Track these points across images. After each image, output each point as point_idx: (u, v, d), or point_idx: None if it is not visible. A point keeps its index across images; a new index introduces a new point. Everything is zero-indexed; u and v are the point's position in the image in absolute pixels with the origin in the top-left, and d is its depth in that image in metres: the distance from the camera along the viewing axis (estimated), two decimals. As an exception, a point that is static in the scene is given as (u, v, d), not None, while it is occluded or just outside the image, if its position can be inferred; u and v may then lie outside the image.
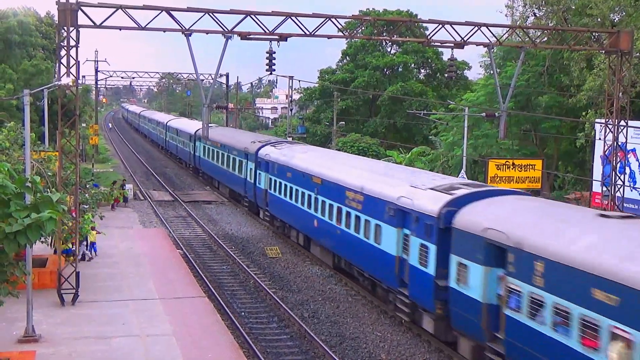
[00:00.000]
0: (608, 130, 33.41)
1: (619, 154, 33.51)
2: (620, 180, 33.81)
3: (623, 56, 32.09)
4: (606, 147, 34.12)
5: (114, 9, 26.49)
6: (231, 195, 55.56)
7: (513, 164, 45.39)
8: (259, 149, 45.76)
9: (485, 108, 51.15)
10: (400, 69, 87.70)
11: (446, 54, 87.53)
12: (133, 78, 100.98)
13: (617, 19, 50.66)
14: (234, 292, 30.92)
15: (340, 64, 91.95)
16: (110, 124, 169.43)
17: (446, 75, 34.81)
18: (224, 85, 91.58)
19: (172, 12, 27.46)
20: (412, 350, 24.28)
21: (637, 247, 17.04)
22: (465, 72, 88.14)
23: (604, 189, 35.04)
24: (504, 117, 32.24)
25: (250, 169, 46.61)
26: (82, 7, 25.76)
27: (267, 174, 42.78)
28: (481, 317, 20.96)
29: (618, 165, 33.77)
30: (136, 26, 27.14)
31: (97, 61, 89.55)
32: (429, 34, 31.24)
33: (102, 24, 26.48)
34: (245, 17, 28.43)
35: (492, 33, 31.03)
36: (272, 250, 38.23)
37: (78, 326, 24.04)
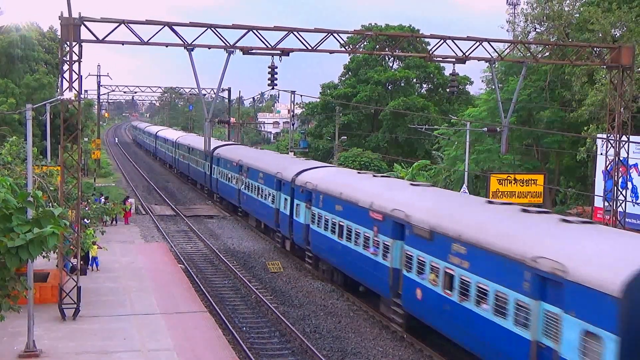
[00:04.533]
0: (610, 145, 33.40)
1: (620, 169, 33.49)
2: (622, 195, 33.76)
3: (624, 71, 32.13)
4: (608, 163, 34.09)
5: (117, 24, 26.58)
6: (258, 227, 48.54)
7: (515, 178, 45.35)
8: (297, 174, 38.75)
9: (487, 123, 51.17)
10: (402, 84, 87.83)
11: (448, 69, 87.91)
12: (135, 92, 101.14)
13: (618, 34, 50.72)
14: (235, 307, 30.85)
15: (342, 78, 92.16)
16: (116, 139, 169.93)
17: (448, 90, 34.86)
18: (226, 100, 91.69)
19: (175, 27, 27.54)
20: (414, 366, 24.21)
21: None
22: (467, 87, 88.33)
23: (606, 204, 34.99)
24: (506, 132, 32.26)
25: (285, 198, 39.78)
26: (85, 22, 25.86)
27: (311, 206, 35.71)
28: None
29: (620, 180, 33.74)
30: (139, 41, 27.22)
31: (100, 76, 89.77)
32: (431, 49, 31.31)
33: (105, 39, 26.56)
34: (247, 32, 28.52)
35: (493, 48, 31.13)
36: (274, 265, 38.17)
37: (79, 341, 23.99)
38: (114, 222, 48.40)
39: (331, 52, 29.87)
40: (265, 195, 43.80)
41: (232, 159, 53.97)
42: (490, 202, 25.72)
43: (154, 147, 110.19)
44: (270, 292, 33.09)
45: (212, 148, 59.10)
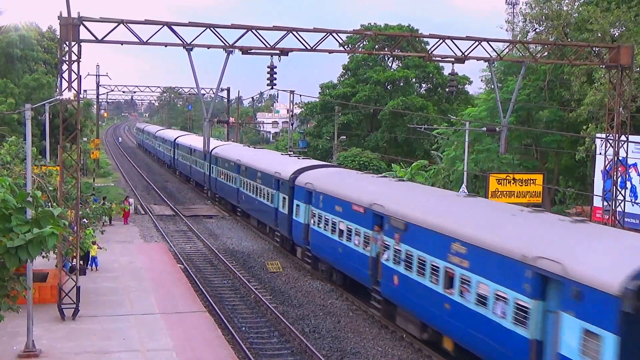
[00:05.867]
0: (609, 145, 33.41)
1: (619, 168, 33.51)
2: (621, 195, 33.79)
3: (623, 71, 32.15)
4: (607, 162, 34.11)
5: (116, 24, 26.57)
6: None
7: (514, 178, 45.31)
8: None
9: (487, 123, 51.18)
10: (401, 84, 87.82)
11: (447, 69, 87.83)
12: (134, 92, 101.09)
13: (617, 33, 50.73)
14: (234, 306, 30.85)
15: (341, 78, 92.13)
16: (120, 139, 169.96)
17: (447, 89, 34.83)
18: (225, 100, 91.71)
19: (174, 27, 27.53)
20: (414, 366, 24.18)
21: None
22: (466, 87, 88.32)
23: (605, 203, 35.02)
24: (505, 131, 32.27)
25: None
26: (84, 22, 25.85)
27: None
28: None
29: (619, 180, 33.77)
30: (138, 41, 27.21)
31: (99, 75, 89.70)
32: (430, 49, 31.32)
33: (104, 39, 26.54)
34: (246, 32, 28.51)
35: (492, 48, 31.14)
36: (273, 265, 38.16)
37: (78, 341, 23.99)
38: (110, 222, 48.11)
39: (330, 51, 29.85)
40: (490, 301, 20.50)
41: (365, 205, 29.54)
42: None
43: (172, 157, 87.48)
44: (270, 292, 33.09)
45: (306, 180, 36.73)
